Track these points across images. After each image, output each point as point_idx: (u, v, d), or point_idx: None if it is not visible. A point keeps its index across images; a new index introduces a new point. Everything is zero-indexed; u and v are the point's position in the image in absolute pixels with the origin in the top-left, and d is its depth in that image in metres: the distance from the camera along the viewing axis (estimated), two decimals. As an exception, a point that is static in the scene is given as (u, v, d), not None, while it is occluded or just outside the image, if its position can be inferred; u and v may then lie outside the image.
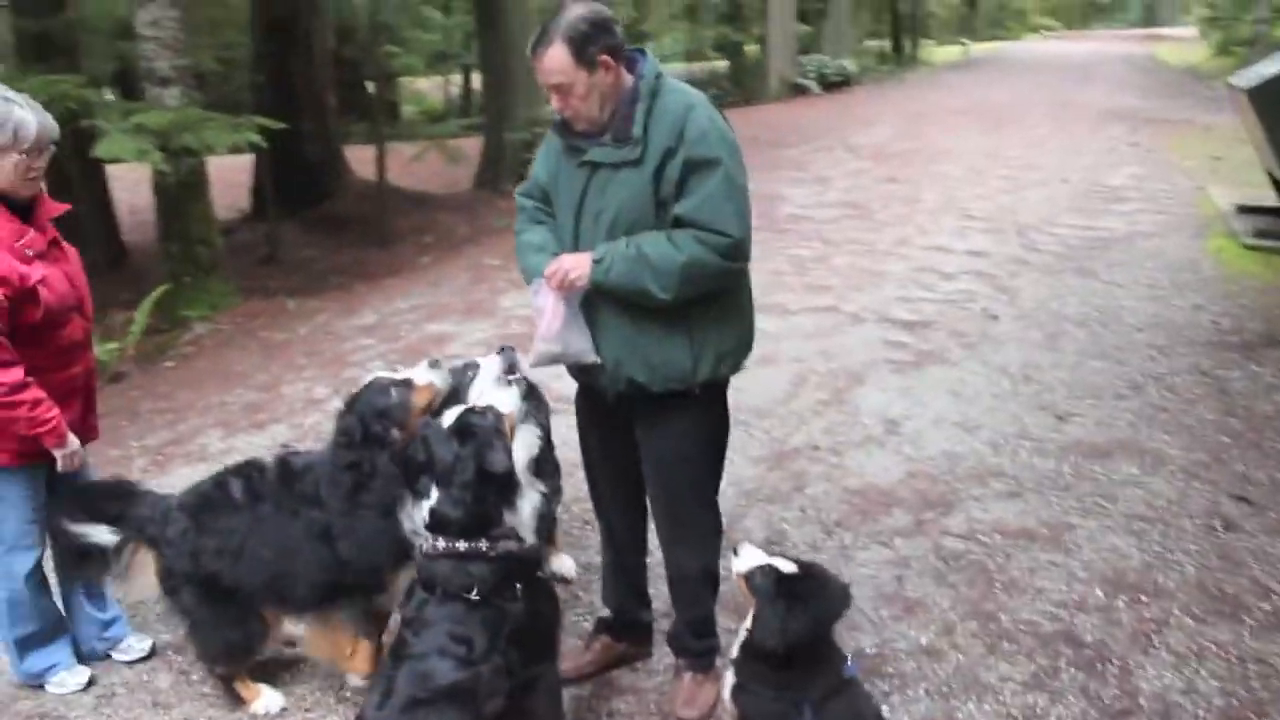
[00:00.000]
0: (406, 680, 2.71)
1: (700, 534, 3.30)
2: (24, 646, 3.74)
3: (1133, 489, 4.75)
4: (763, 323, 6.99)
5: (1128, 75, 24.86)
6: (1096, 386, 5.88)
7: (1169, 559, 4.20)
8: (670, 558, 3.37)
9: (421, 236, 12.45)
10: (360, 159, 14.22)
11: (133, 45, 8.61)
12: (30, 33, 10.04)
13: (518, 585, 2.84)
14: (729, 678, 2.92)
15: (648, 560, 3.63)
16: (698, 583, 3.34)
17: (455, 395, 3.44)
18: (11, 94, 3.39)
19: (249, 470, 3.59)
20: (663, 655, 3.64)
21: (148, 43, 8.32)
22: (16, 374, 3.26)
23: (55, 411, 3.38)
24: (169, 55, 8.34)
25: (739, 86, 25.08)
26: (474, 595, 2.77)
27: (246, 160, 13.43)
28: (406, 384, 3.36)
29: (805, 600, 2.73)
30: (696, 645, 3.39)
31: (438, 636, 2.75)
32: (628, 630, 3.65)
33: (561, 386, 3.86)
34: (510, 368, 3.25)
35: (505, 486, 2.85)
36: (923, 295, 7.56)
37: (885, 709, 3.35)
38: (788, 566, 2.83)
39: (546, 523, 3.52)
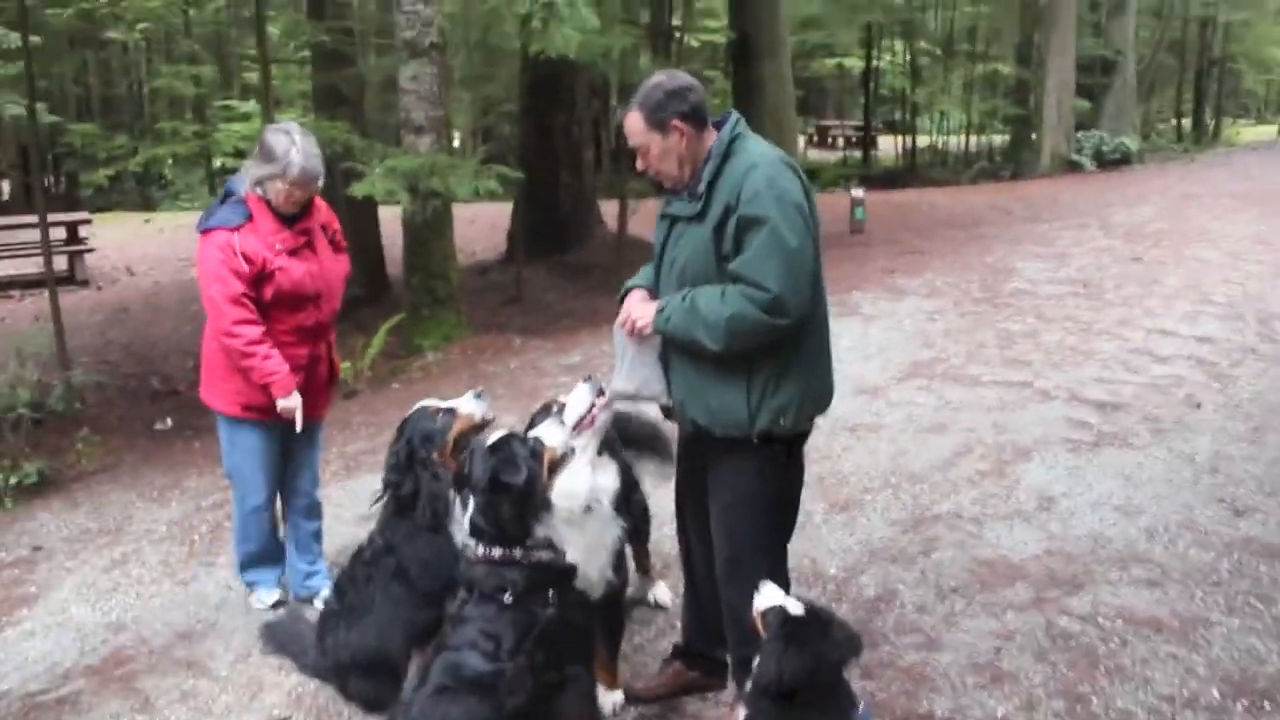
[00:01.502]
0: (439, 669, 3.00)
1: (754, 579, 3.32)
2: (244, 562, 4.62)
3: (1298, 594, 4.40)
4: (948, 392, 7.07)
5: None
6: (1293, 486, 5.45)
7: (1314, 671, 3.87)
8: (725, 595, 3.47)
9: (655, 287, 12.90)
10: (614, 213, 14.94)
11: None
12: (323, 85, 11.35)
13: (550, 593, 3.07)
14: (740, 711, 3.01)
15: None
16: (747, 625, 3.43)
17: None
18: (297, 136, 4.16)
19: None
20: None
21: (407, 95, 9.22)
22: (255, 331, 4.12)
23: (284, 368, 4.17)
24: (425, 107, 9.19)
25: (1010, 160, 24.43)
26: (506, 598, 3.02)
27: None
28: (450, 412, 3.73)
29: (804, 642, 2.79)
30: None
31: (471, 633, 3.02)
32: (699, 661, 3.78)
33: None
34: (600, 391, 3.47)
35: (529, 504, 3.10)
36: (1126, 378, 7.20)
37: (937, 772, 3.34)
38: (796, 608, 2.90)
39: (620, 558, 3.75)
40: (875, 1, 24.16)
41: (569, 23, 8.17)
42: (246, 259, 4.10)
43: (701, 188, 3.18)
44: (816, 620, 2.87)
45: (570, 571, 3.20)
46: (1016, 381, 7.24)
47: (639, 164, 3.35)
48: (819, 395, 3.38)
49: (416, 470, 3.77)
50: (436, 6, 9.19)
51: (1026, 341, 8.26)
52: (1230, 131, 35.51)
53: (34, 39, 8.60)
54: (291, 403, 4.22)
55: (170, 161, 24.41)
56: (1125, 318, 8.84)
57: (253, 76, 24.72)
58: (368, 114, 11.65)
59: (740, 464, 3.31)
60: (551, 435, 3.26)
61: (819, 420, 3.51)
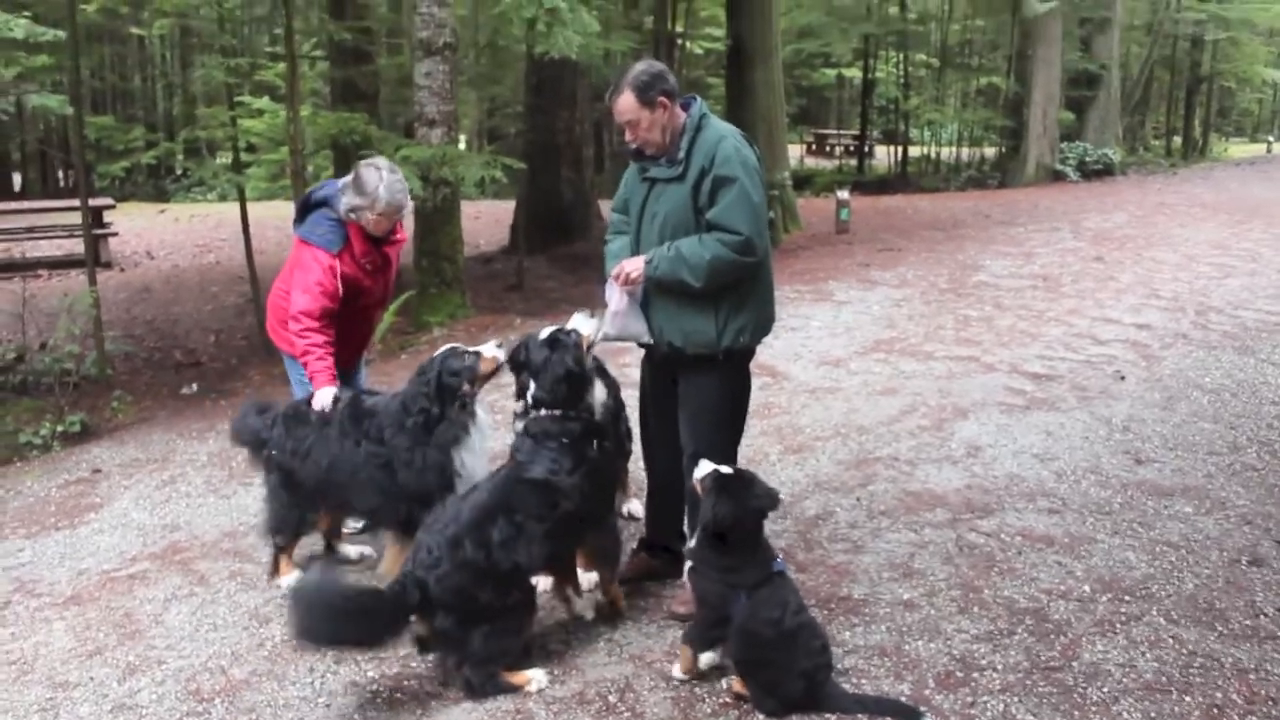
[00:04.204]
0: (509, 471, 3.97)
1: None
2: None
3: (1176, 523, 5.11)
4: (903, 364, 7.90)
5: None
6: (1193, 443, 6.19)
7: (1174, 576, 4.58)
8: (689, 485, 4.25)
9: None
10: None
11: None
12: (340, 80, 12.17)
13: (595, 442, 4.03)
14: (688, 562, 3.81)
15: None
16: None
17: None
18: (384, 171, 4.85)
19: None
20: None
21: (421, 90, 10.04)
22: (320, 339, 4.80)
23: (328, 371, 4.80)
24: (437, 102, 10.01)
25: (998, 170, 25.22)
26: (564, 440, 3.96)
27: (519, 204, 15.25)
28: (477, 355, 4.48)
29: (732, 492, 3.62)
30: (700, 559, 4.27)
31: (537, 455, 3.95)
32: (659, 553, 4.60)
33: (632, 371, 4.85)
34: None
35: (580, 378, 4.03)
36: (1065, 356, 8.01)
37: (847, 635, 4.12)
38: (726, 470, 3.72)
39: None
40: (871, 14, 24.98)
41: (571, 26, 9.01)
42: (343, 280, 4.80)
43: (681, 154, 4.04)
44: (741, 478, 3.71)
45: (603, 430, 4.16)
46: (965, 356, 8.06)
47: (628, 137, 4.18)
48: (767, 319, 4.29)
49: (443, 398, 4.41)
50: (450, 9, 10.01)
51: (981, 325, 9.08)
52: (1219, 148, 36.38)
53: (59, 33, 9.29)
54: (323, 399, 4.79)
55: (180, 156, 25.17)
56: (1076, 308, 9.65)
57: (265, 75, 25.60)
58: (382, 108, 12.45)
59: (707, 376, 4.18)
60: (584, 326, 4.20)
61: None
